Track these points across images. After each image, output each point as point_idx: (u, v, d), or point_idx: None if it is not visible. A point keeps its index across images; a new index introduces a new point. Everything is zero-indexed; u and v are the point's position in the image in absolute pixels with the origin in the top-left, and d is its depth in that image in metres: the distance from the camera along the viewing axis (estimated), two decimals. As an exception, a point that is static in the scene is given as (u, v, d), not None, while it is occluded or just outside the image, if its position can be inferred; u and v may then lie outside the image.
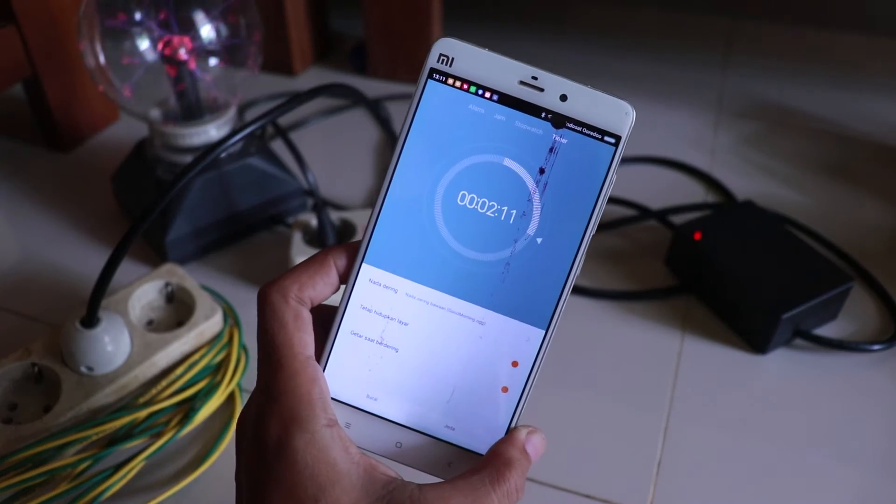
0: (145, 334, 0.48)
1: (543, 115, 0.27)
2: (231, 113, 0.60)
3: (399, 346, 0.28)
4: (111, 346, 0.45)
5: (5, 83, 0.66)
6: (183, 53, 0.55)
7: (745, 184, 0.70)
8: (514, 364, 0.28)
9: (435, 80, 0.27)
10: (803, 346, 0.53)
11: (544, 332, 0.28)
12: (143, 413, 0.44)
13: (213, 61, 0.58)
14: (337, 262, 0.28)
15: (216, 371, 0.48)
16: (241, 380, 0.48)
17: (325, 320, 0.29)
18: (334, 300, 0.29)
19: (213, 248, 0.61)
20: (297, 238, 0.56)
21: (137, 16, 0.55)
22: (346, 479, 0.25)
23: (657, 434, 0.47)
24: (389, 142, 0.76)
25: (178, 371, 0.47)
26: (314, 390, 0.26)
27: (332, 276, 0.28)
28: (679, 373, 0.51)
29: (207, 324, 0.49)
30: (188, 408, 0.45)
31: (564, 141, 0.27)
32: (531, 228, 0.27)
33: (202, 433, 0.46)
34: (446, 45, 0.27)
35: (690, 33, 0.99)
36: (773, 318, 0.50)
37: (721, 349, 0.53)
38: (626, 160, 0.73)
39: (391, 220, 0.28)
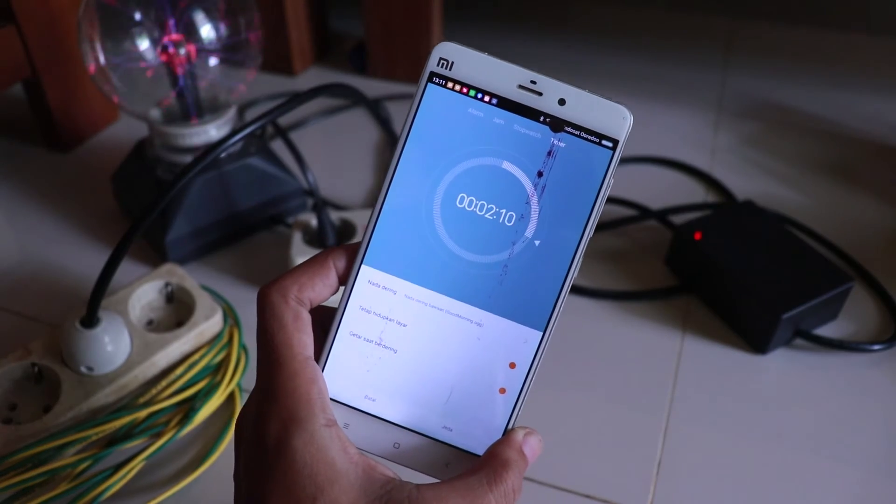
0: (145, 334, 0.48)
1: (542, 118, 0.27)
2: (231, 113, 0.60)
3: (397, 347, 0.28)
4: (111, 346, 0.45)
5: (5, 83, 0.66)
6: (183, 53, 0.55)
7: (745, 184, 0.70)
8: (512, 365, 0.28)
9: (435, 83, 0.27)
10: (803, 346, 0.53)
11: (542, 333, 0.28)
12: (143, 413, 0.44)
13: (213, 61, 0.58)
14: (336, 263, 0.28)
15: (216, 371, 0.48)
16: (240, 380, 0.48)
17: (324, 321, 0.29)
18: (333, 301, 0.29)
19: (213, 248, 0.61)
20: (297, 238, 0.56)
21: (137, 16, 0.55)
22: (344, 479, 0.25)
23: (657, 434, 0.47)
24: (389, 142, 0.76)
25: (178, 371, 0.47)
26: (313, 390, 0.26)
27: (332, 278, 0.28)
28: (679, 373, 0.51)
29: (207, 324, 0.49)
30: (188, 408, 0.45)
31: (562, 144, 0.27)
32: (529, 231, 0.27)
33: (202, 433, 0.46)
34: (446, 49, 0.27)
35: (690, 33, 0.99)
36: (773, 317, 0.50)
37: (721, 349, 0.53)
38: (626, 160, 0.73)
39: (391, 221, 0.28)
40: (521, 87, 0.27)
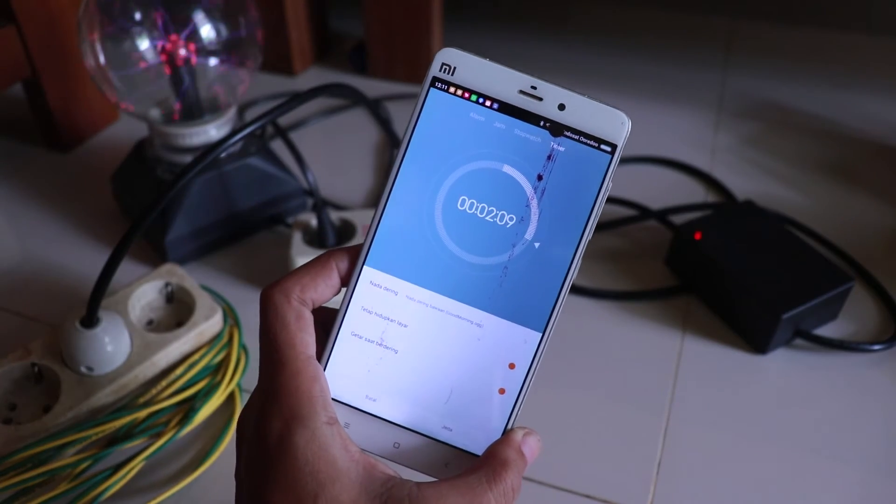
0: (145, 334, 0.48)
1: (542, 123, 0.27)
2: (231, 113, 0.60)
3: (398, 347, 0.28)
4: (111, 346, 0.45)
5: (5, 83, 0.66)
6: (183, 53, 0.55)
7: (745, 184, 0.70)
8: (512, 366, 0.28)
9: (437, 88, 0.28)
10: (803, 346, 0.53)
11: (541, 334, 0.28)
12: (143, 413, 0.44)
13: (212, 61, 0.58)
14: (339, 264, 0.29)
15: (216, 371, 0.48)
16: (241, 380, 0.48)
17: (326, 322, 0.29)
18: (335, 303, 0.29)
19: (212, 248, 0.61)
20: (297, 238, 0.56)
21: (137, 16, 0.55)
22: (345, 477, 0.25)
23: (657, 434, 0.47)
24: (389, 142, 0.76)
25: (178, 371, 0.47)
26: (315, 389, 0.26)
27: (334, 279, 0.29)
28: (679, 373, 0.51)
29: (207, 324, 0.49)
30: (188, 408, 0.45)
31: (562, 149, 0.27)
32: (529, 233, 0.28)
33: (202, 433, 0.46)
34: (449, 55, 0.27)
35: (690, 33, 0.99)
36: (773, 318, 0.50)
37: (721, 349, 0.53)
38: (626, 160, 0.73)
39: (393, 223, 0.28)
40: (521, 92, 0.27)
